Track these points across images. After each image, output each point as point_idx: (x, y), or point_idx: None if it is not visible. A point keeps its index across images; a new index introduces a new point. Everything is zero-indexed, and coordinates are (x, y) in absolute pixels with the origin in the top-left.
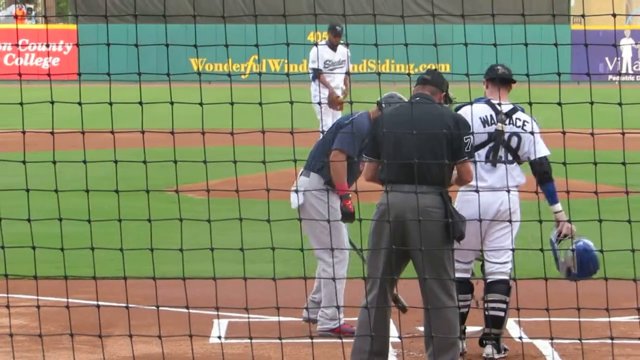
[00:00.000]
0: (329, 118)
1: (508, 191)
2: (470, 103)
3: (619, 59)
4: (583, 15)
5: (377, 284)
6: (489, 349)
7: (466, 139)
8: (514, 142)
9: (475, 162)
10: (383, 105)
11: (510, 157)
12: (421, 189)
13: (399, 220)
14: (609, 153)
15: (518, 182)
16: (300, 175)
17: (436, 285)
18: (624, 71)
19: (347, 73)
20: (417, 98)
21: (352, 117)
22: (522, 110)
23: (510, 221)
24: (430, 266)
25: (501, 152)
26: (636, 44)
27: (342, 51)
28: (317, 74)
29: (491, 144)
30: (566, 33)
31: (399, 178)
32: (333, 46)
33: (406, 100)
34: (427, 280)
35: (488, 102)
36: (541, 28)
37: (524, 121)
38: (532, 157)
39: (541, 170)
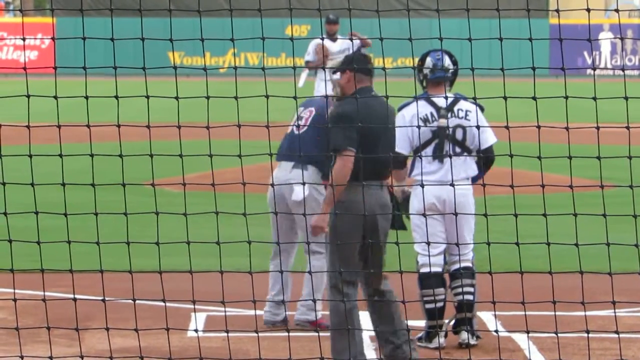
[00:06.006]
0: None
1: (452, 185)
2: (415, 99)
3: (596, 53)
4: (557, 10)
5: (357, 279)
6: (464, 335)
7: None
8: (459, 134)
9: (421, 157)
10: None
11: (458, 150)
12: (384, 183)
13: (372, 216)
14: (585, 147)
15: (469, 174)
16: (292, 168)
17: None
18: (602, 65)
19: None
20: (373, 92)
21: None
22: (465, 99)
23: (455, 213)
24: (382, 259)
25: (447, 147)
26: (614, 38)
27: (344, 42)
28: (307, 65)
29: (436, 141)
30: (544, 27)
31: (372, 174)
32: (332, 37)
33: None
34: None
35: (427, 99)
36: (520, 22)
37: (467, 110)
38: (482, 147)
39: (486, 160)
